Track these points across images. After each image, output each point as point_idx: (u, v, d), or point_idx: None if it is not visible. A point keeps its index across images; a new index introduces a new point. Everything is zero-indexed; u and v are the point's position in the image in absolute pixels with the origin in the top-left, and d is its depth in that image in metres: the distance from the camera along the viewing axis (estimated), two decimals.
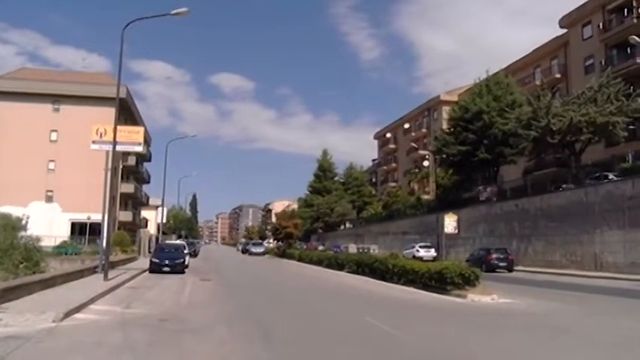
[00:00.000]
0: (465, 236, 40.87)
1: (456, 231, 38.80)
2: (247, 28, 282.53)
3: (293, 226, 61.20)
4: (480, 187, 43.58)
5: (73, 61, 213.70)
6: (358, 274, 26.15)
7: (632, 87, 33.95)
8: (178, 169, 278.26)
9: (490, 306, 14.49)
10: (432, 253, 41.50)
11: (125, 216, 53.48)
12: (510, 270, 31.05)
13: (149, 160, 66.82)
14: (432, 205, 50.33)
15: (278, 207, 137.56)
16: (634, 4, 38.19)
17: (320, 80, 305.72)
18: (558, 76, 45.33)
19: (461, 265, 17.80)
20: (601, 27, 40.78)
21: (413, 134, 70.79)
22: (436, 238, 42.92)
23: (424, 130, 68.07)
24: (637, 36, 28.36)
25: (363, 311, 13.17)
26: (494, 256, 31.74)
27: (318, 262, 36.28)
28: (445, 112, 54.65)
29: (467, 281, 16.42)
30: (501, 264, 31.22)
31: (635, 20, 37.52)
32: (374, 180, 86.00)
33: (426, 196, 59.61)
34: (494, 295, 15.64)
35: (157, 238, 54.48)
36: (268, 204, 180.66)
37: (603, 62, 39.74)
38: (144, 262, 31.98)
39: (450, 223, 38.11)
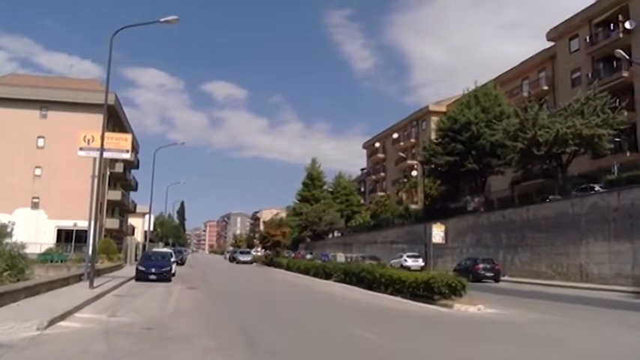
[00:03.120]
0: (453, 246, 40.98)
1: (444, 241, 38.91)
2: (241, 37, 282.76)
3: (281, 234, 61.04)
4: (468, 198, 43.83)
5: (65, 68, 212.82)
6: (346, 283, 26.10)
7: (617, 100, 34.47)
8: (167, 177, 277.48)
9: (476, 316, 14.56)
10: (420, 262, 41.48)
11: (112, 223, 53.12)
12: (497, 280, 31.19)
13: (137, 168, 66.48)
14: (419, 215, 50.46)
15: (266, 215, 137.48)
16: (620, 18, 38.81)
17: (312, 89, 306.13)
18: (546, 88, 45.85)
19: (448, 274, 17.84)
20: (588, 40, 41.36)
21: (401, 144, 71.09)
22: (424, 247, 43.01)
23: (413, 140, 68.38)
24: (623, 50, 28.81)
25: (350, 320, 13.20)
26: (481, 266, 31.88)
27: (306, 271, 36.22)
28: (434, 122, 55.03)
29: (454, 291, 16.48)
30: (488, 274, 31.37)
31: (621, 34, 38.09)
32: (362, 189, 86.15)
33: (414, 206, 59.75)
34: (481, 305, 15.72)
35: (144, 246, 54.12)
36: (257, 212, 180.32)
37: (590, 75, 40.28)
38: (130, 269, 31.76)
39: (437, 232, 38.21)
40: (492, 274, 31.41)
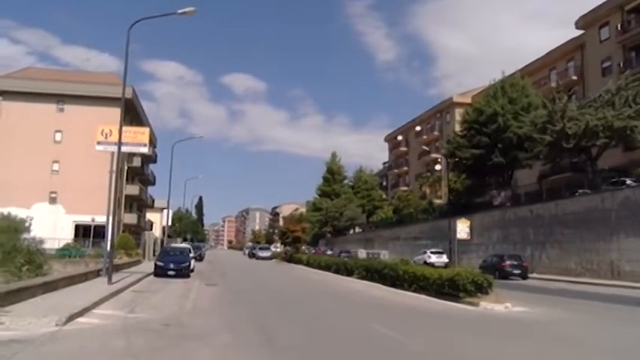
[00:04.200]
0: (478, 242, 40.70)
1: (469, 237, 38.65)
2: (260, 28, 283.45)
3: (301, 230, 61.13)
4: (494, 192, 43.42)
5: (83, 61, 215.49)
6: (368, 280, 26.09)
7: None
8: (185, 172, 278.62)
9: (503, 315, 14.42)
10: (444, 259, 41.35)
11: (130, 218, 53.76)
12: (524, 277, 30.88)
13: (155, 162, 67.17)
14: (444, 210, 50.18)
15: (286, 210, 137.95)
16: None
17: (333, 81, 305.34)
18: (574, 78, 45.09)
19: (473, 271, 17.72)
20: (619, 28, 40.52)
21: (425, 137, 70.67)
22: (448, 244, 42.75)
23: (436, 133, 67.93)
24: None
25: (371, 318, 13.16)
26: (507, 262, 31.60)
27: (326, 268, 36.23)
28: (458, 114, 54.57)
29: (479, 289, 16.37)
30: (515, 271, 31.07)
31: None
32: (384, 184, 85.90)
33: (438, 201, 59.45)
34: (508, 304, 15.56)
35: (162, 241, 54.70)
36: (276, 207, 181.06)
37: (621, 64, 39.48)
38: (148, 265, 32.12)
39: (462, 228, 37.97)
40: (520, 271, 31.10)
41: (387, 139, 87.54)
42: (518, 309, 15.26)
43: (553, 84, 46.26)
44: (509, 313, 14.64)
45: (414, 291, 19.73)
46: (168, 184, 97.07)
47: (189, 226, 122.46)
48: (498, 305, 15.48)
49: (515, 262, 31.71)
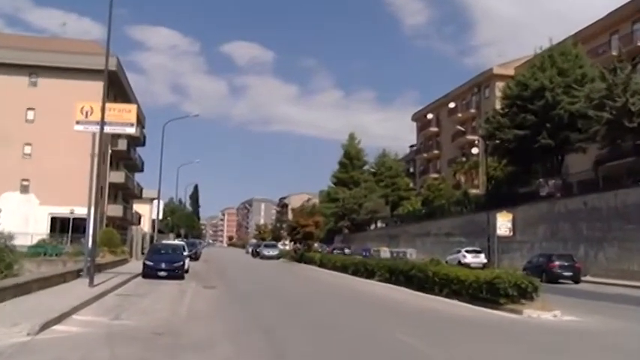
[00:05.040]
0: (522, 239, 40.52)
1: (511, 233, 38.52)
2: None
3: (313, 224, 61.09)
4: (541, 180, 43.05)
5: (59, 27, 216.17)
6: (391, 283, 26.11)
7: None
8: (178, 156, 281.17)
9: (551, 324, 14.36)
10: (482, 259, 41.28)
11: (114, 210, 54.10)
12: (577, 281, 30.72)
13: (143, 145, 67.45)
14: (481, 202, 49.98)
15: (296, 201, 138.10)
16: None
17: (352, 50, 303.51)
18: None
19: (516, 274, 17.67)
20: None
21: (459, 115, 70.20)
22: (486, 241, 42.63)
23: (473, 111, 67.45)
24: None
25: (396, 327, 13.17)
26: (557, 263, 31.43)
27: (343, 269, 36.27)
28: (499, 88, 54.01)
29: (523, 294, 16.33)
30: (566, 273, 30.90)
31: None
32: (412, 170, 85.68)
33: (474, 191, 59.17)
34: (557, 312, 15.50)
35: (152, 237, 55.07)
36: (284, 198, 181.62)
37: None
38: (136, 265, 32.38)
39: (503, 223, 37.86)
40: (571, 274, 30.94)
41: (414, 118, 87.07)
42: (569, 318, 15.19)
43: (614, 52, 45.50)
44: (558, 323, 14.57)
45: (447, 296, 19.74)
46: (158, 170, 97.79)
47: (184, 220, 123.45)
48: (545, 313, 15.42)
49: (566, 263, 31.51)
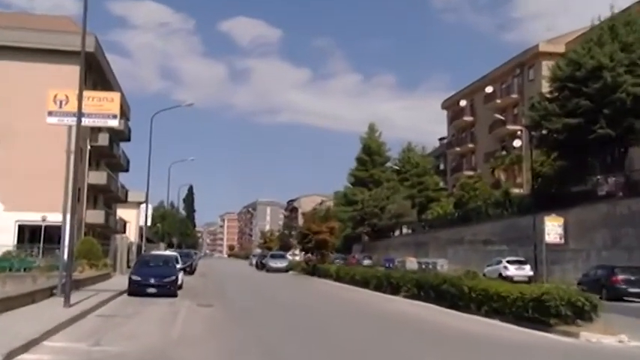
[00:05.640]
0: (576, 248, 40.20)
1: (562, 240, 38.18)
2: None
3: (328, 231, 60.95)
4: (599, 178, 42.68)
5: (28, 1, 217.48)
6: (420, 299, 26.05)
7: None
8: (170, 152, 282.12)
9: (617, 351, 14.18)
10: (527, 271, 41.01)
11: (95, 216, 54.20)
12: None
13: (128, 140, 67.55)
14: (526, 203, 49.62)
15: (307, 204, 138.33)
16: None
17: (372, 27, 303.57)
18: None
19: (570, 289, 17.55)
20: None
21: (498, 101, 69.87)
22: (532, 250, 42.23)
23: (515, 96, 67.08)
24: None
25: (428, 354, 13.03)
26: (621, 277, 30.94)
27: (363, 283, 36.15)
28: (546, 68, 53.59)
29: (579, 313, 16.14)
30: (632, 289, 30.28)
31: None
32: (442, 167, 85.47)
33: (517, 190, 58.83)
34: (623, 336, 15.25)
35: (140, 248, 55.11)
36: (293, 200, 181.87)
37: None
38: (121, 280, 32.33)
39: (552, 228, 37.54)
40: (639, 290, 30.44)
41: (445, 106, 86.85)
42: (638, 343, 14.95)
43: None
44: (626, 350, 14.34)
45: (486, 315, 19.66)
46: (146, 169, 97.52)
47: (176, 227, 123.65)
48: (608, 337, 15.19)
49: (632, 277, 30.94)
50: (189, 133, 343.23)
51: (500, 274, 39.61)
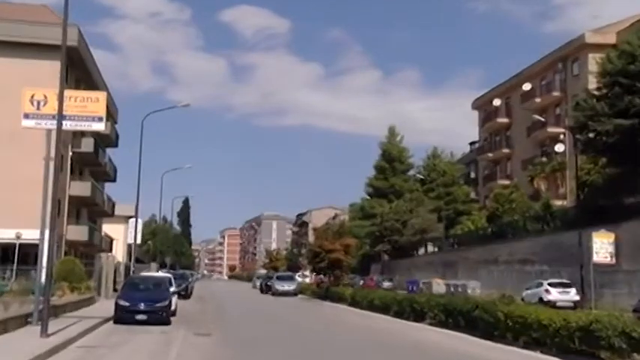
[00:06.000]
0: (630, 269, 39.84)
1: (613, 260, 37.92)
2: None
3: (342, 249, 60.82)
4: None
5: None
6: (447, 327, 26.00)
7: None
8: (163, 160, 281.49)
9: None
10: (572, 295, 40.73)
11: (77, 233, 54.25)
12: None
13: (115, 146, 67.84)
14: (570, 217, 49.43)
15: (318, 219, 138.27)
16: None
17: (392, 17, 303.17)
18: None
19: (624, 317, 17.26)
20: None
21: (537, 100, 69.71)
22: (579, 270, 42.02)
23: (556, 94, 66.95)
24: None
25: None
26: None
27: (383, 309, 36.08)
28: (594, 62, 53.48)
29: (636, 346, 15.84)
30: None
31: None
32: (473, 175, 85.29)
33: (559, 202, 58.62)
34: None
35: (128, 268, 55.13)
36: (303, 214, 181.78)
37: None
38: (106, 305, 32.32)
39: (602, 246, 37.32)
40: None
41: (476, 106, 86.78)
42: None
43: None
44: None
45: (524, 346, 19.61)
46: (136, 179, 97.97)
47: (170, 245, 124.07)
48: None
49: None
50: (184, 138, 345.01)
51: (540, 299, 39.33)
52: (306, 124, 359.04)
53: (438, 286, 52.57)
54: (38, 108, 23.68)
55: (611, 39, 56.49)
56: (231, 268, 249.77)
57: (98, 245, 60.13)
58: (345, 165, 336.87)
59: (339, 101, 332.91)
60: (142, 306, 26.42)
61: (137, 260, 63.48)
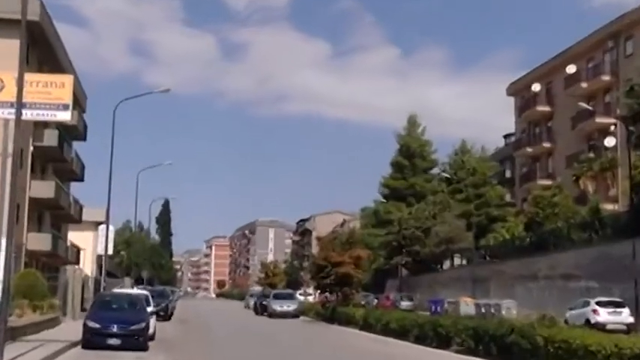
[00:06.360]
0: None
1: None
2: None
3: (352, 261, 60.92)
4: None
5: None
6: (478, 355, 26.02)
7: None
8: (139, 156, 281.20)
9: None
10: (625, 316, 40.64)
11: (38, 241, 54.26)
12: None
13: (84, 139, 67.81)
14: (622, 224, 49.39)
15: (323, 225, 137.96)
16: None
17: None
18: None
19: None
20: None
21: (584, 85, 69.70)
22: (633, 287, 42.09)
23: (606, 78, 66.91)
24: None
25: None
26: None
27: (401, 333, 36.10)
28: None
29: None
30: None
31: None
32: (508, 174, 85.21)
33: (610, 207, 58.52)
34: None
35: (98, 284, 55.20)
36: (305, 220, 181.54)
37: None
38: (73, 327, 32.43)
39: None
40: None
41: (512, 91, 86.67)
42: None
43: None
44: None
45: None
46: (107, 178, 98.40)
47: (147, 256, 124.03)
48: None
49: None
50: (165, 130, 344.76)
51: (587, 321, 39.28)
52: (310, 112, 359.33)
53: (467, 306, 52.52)
54: None
55: None
56: (220, 284, 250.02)
57: (63, 256, 60.16)
58: (356, 162, 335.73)
59: (350, 85, 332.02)
60: (114, 328, 26.46)
61: (109, 274, 63.63)
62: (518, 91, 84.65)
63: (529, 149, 79.74)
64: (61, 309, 42.84)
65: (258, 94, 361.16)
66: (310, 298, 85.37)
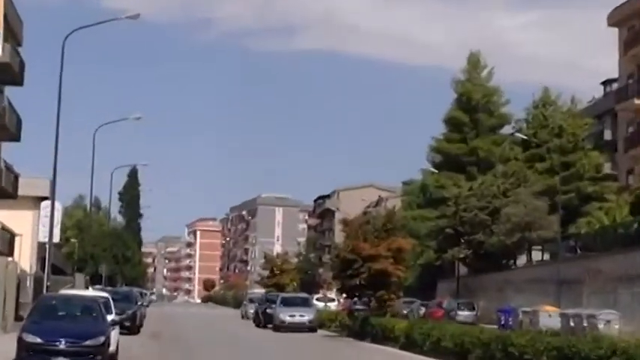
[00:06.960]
0: None
1: None
2: None
3: (391, 254, 60.84)
4: None
5: None
6: None
7: None
8: (97, 108, 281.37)
9: None
10: None
11: None
12: None
13: (20, 84, 67.84)
14: None
15: (351, 204, 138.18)
16: None
17: None
18: None
19: None
20: None
21: None
22: None
23: None
24: None
25: None
26: None
27: (458, 354, 36.08)
28: None
29: None
30: None
31: None
32: (609, 136, 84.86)
33: None
34: None
35: (40, 282, 55.44)
36: (325, 197, 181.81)
37: None
38: (4, 341, 32.55)
39: None
40: None
41: (615, 20, 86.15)
42: None
43: None
44: None
45: None
46: (53, 136, 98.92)
47: (108, 246, 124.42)
48: None
49: None
50: (133, 73, 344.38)
51: None
52: (328, 48, 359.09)
53: (549, 317, 52.53)
54: None
55: None
56: (207, 285, 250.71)
57: None
58: (394, 117, 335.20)
59: (384, 11, 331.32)
60: (62, 343, 26.29)
61: (54, 269, 63.83)
62: (625, 19, 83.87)
63: (638, 101, 79.20)
64: None
65: (256, 23, 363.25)
66: (332, 305, 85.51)
